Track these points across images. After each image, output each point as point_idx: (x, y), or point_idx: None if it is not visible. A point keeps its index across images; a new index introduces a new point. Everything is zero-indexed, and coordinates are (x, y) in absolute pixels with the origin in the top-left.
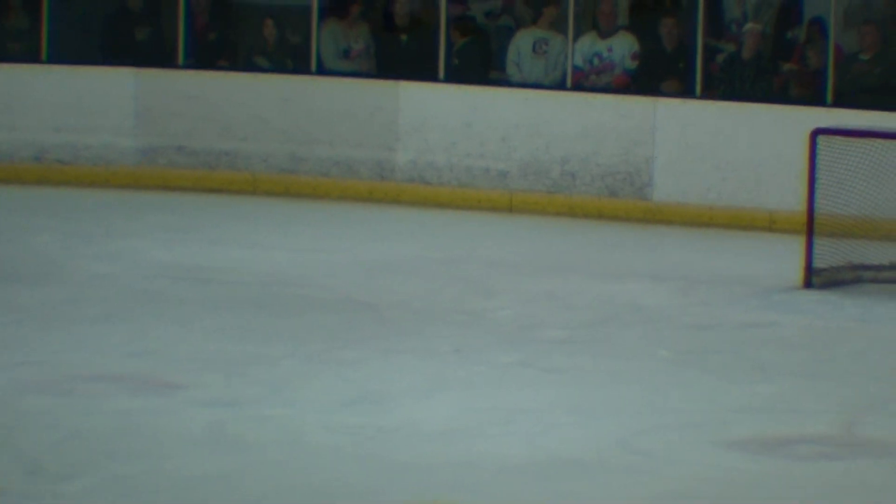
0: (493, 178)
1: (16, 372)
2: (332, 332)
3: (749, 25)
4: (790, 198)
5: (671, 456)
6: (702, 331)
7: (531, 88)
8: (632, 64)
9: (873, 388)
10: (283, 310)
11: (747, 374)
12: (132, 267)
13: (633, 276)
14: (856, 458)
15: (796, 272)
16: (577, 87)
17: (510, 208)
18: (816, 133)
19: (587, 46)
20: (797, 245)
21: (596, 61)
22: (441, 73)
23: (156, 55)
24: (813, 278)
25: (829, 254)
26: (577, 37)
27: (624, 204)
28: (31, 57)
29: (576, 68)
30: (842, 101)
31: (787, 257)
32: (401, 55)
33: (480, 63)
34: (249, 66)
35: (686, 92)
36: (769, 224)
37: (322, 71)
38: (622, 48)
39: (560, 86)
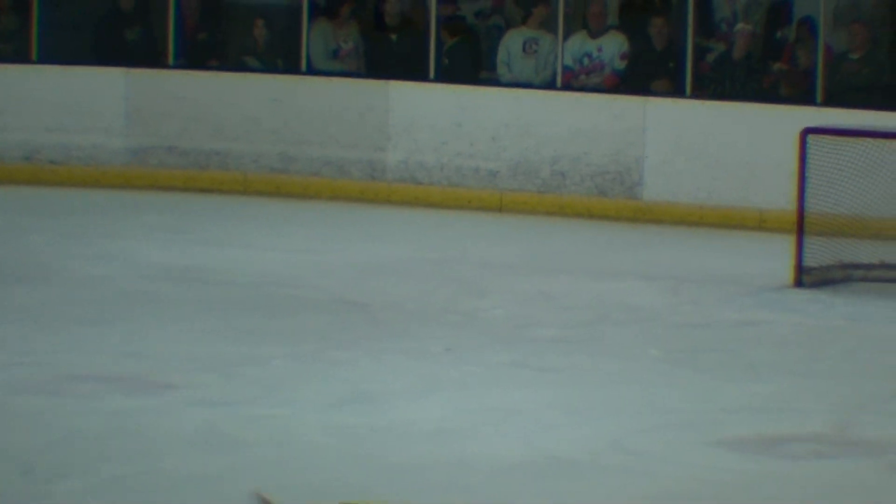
0: (484, 178)
1: (7, 372)
2: (324, 332)
3: (740, 26)
4: (780, 197)
5: (664, 455)
6: (693, 330)
7: (521, 88)
8: (621, 64)
9: (865, 386)
10: (276, 310)
11: (739, 373)
12: (123, 267)
13: (624, 275)
14: (849, 457)
15: (787, 271)
16: (567, 86)
17: (500, 208)
18: (806, 132)
19: (577, 46)
20: (788, 244)
21: (586, 61)
22: (431, 73)
23: (146, 55)
24: (803, 277)
25: (820, 253)
26: (566, 37)
27: (614, 203)
28: (22, 57)
29: (566, 68)
30: (832, 101)
31: (778, 256)
32: (391, 55)
33: (470, 63)
34: (240, 67)
35: (676, 92)
36: (759, 223)
37: (312, 71)
38: (612, 48)
39: (550, 86)
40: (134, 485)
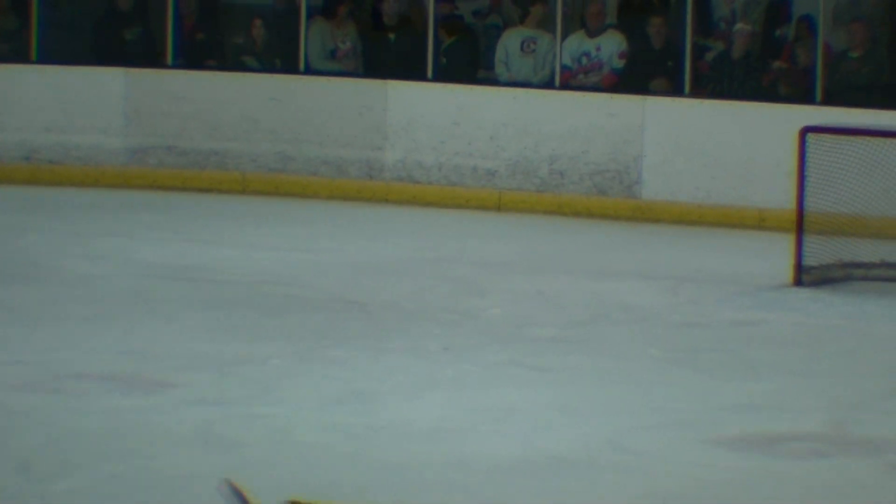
0: (482, 177)
1: (4, 371)
2: (321, 331)
3: (739, 25)
4: (780, 196)
5: (662, 455)
6: (692, 329)
7: (519, 87)
8: (620, 63)
9: (864, 385)
10: (273, 309)
11: (738, 372)
12: (122, 266)
13: (622, 274)
14: (847, 456)
15: (786, 270)
16: (566, 86)
17: (499, 207)
18: (806, 131)
19: (575, 45)
20: (787, 243)
21: (584, 60)
22: (429, 73)
23: (145, 55)
24: (803, 276)
25: (820, 251)
26: (565, 36)
27: (613, 202)
28: (21, 57)
29: (564, 67)
30: (831, 99)
31: (777, 255)
32: (389, 54)
33: (468, 62)
34: (238, 66)
35: (675, 91)
36: (759, 222)
37: (311, 71)
38: (610, 47)
39: (548, 85)
40: (130, 483)
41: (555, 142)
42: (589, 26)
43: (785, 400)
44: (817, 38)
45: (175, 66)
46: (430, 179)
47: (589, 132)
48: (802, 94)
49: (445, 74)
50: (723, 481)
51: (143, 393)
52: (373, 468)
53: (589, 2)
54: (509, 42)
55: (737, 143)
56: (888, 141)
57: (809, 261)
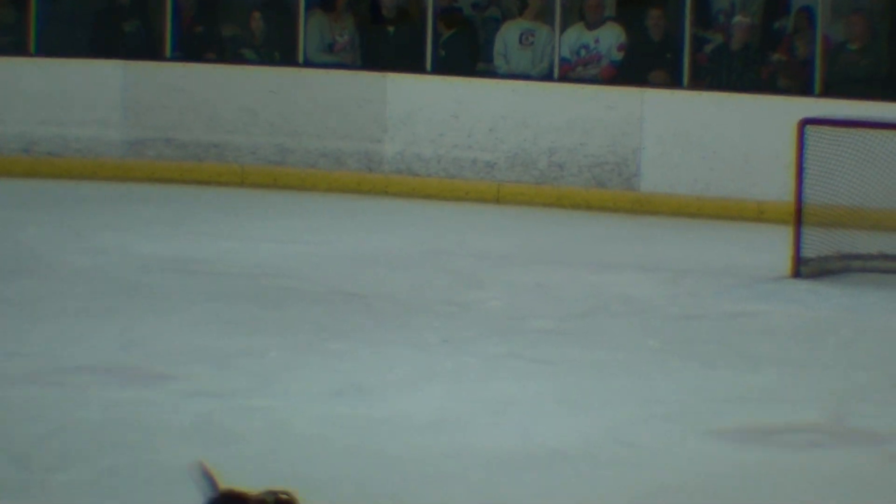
0: (481, 170)
1: (4, 364)
2: (320, 323)
3: (738, 18)
4: (779, 188)
5: (660, 446)
6: (691, 321)
7: (518, 80)
8: (619, 55)
9: (862, 377)
10: (272, 301)
11: (736, 364)
12: (120, 259)
13: (621, 266)
14: (845, 448)
15: (785, 262)
16: (565, 78)
17: (498, 199)
18: (805, 123)
19: (574, 38)
20: (786, 235)
21: (583, 52)
22: (428, 65)
23: (143, 48)
24: (801, 268)
25: (818, 243)
26: (563, 28)
27: (612, 194)
28: (20, 50)
29: (563, 60)
30: (830, 91)
31: (776, 247)
32: (388, 47)
33: (467, 55)
34: (237, 59)
35: (674, 83)
36: (758, 214)
37: (309, 63)
38: (609, 39)
39: (547, 77)
40: (129, 476)
41: (553, 134)
42: (588, 18)
43: (784, 391)
44: (816, 31)
45: (174, 58)
46: (429, 172)
47: (588, 124)
48: (801, 87)
49: (444, 67)
50: (721, 472)
51: (143, 385)
52: (372, 460)
53: None
54: (508, 34)
55: (736, 136)
56: (887, 133)
57: (808, 252)
